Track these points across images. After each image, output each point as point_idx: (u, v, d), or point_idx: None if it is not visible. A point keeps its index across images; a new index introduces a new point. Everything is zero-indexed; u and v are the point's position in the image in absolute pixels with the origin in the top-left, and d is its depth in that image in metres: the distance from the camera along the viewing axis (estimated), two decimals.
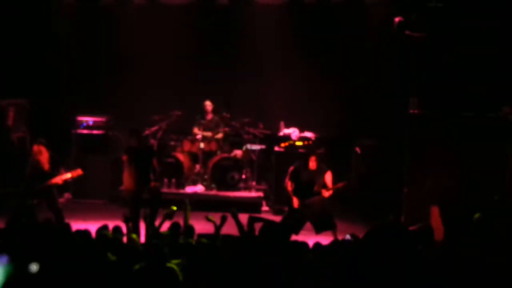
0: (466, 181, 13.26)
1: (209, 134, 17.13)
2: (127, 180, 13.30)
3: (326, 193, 13.19)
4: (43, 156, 12.71)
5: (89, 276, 8.10)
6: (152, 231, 10.60)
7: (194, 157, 17.25)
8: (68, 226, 10.18)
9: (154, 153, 14.03)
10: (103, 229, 10.04)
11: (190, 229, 10.25)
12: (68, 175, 12.82)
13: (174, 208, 10.90)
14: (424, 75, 14.02)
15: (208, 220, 10.47)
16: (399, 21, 14.16)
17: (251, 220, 9.94)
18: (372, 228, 8.99)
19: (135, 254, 8.79)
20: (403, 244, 8.55)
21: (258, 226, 9.71)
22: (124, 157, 13.35)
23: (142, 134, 14.16)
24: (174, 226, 10.34)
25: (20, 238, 8.77)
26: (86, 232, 9.49)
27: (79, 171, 12.93)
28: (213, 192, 16.80)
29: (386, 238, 8.55)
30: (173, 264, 8.36)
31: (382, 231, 8.77)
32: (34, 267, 7.75)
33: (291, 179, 13.46)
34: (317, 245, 9.13)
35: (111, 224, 10.26)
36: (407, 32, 14.04)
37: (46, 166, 12.69)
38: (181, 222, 10.56)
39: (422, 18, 14.02)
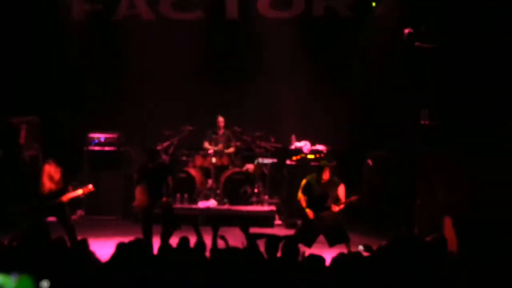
0: (479, 192, 13.21)
1: (220, 147, 17.14)
2: (139, 196, 13.32)
3: (337, 208, 13.14)
4: (54, 173, 12.72)
5: None
6: (164, 246, 10.59)
7: (206, 172, 17.25)
8: (84, 243, 10.17)
9: (169, 171, 13.96)
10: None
11: (202, 245, 10.21)
12: (79, 192, 12.82)
13: None
14: (434, 86, 14.01)
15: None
16: (409, 33, 14.16)
17: (253, 237, 9.92)
18: (389, 241, 8.95)
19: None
20: (421, 256, 8.52)
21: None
22: (136, 176, 13.37)
23: (155, 155, 14.12)
24: (183, 241, 10.34)
25: (32, 256, 8.76)
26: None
27: (90, 187, 12.92)
28: (226, 206, 16.79)
29: (404, 251, 8.52)
30: None
31: (399, 244, 8.74)
32: (45, 284, 7.73)
33: (304, 193, 13.42)
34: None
35: (125, 241, 10.24)
36: (416, 43, 14.04)
37: (57, 183, 12.69)
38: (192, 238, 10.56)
39: (432, 30, 14.02)
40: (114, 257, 9.18)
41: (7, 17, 17.64)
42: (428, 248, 8.88)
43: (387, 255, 8.66)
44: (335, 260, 8.86)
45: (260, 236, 10.03)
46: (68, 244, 10.17)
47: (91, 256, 9.20)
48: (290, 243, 9.60)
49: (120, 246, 9.39)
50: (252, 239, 9.83)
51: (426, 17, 14.26)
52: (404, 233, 12.53)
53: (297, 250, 9.75)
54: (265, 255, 9.60)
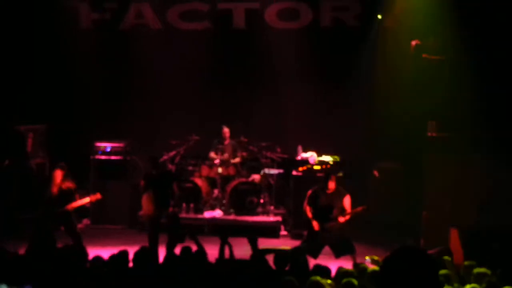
0: (485, 204, 13.19)
1: (225, 157, 17.14)
2: (146, 205, 13.35)
3: (343, 219, 13.12)
4: (62, 181, 12.74)
5: None
6: (169, 255, 10.61)
7: (212, 182, 17.25)
8: (85, 252, 10.18)
9: (173, 178, 14.03)
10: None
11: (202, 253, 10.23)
12: (87, 200, 12.85)
13: None
14: (441, 98, 14.01)
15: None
16: (416, 44, 14.17)
17: (262, 253, 9.89)
18: (393, 252, 8.93)
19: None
20: (424, 268, 8.48)
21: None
22: (142, 183, 13.39)
23: (157, 161, 14.12)
24: (185, 250, 10.41)
25: (39, 263, 8.78)
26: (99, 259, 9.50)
27: (98, 196, 12.95)
28: (232, 216, 16.77)
29: (407, 262, 8.48)
30: None
31: (403, 255, 8.71)
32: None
33: (310, 203, 13.40)
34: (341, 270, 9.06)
35: (130, 250, 10.25)
36: (424, 55, 14.04)
37: (65, 191, 12.72)
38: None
39: (439, 41, 14.03)
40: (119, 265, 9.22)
41: (15, 26, 17.69)
42: (433, 260, 8.86)
43: (390, 266, 8.64)
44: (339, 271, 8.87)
45: (269, 251, 10.03)
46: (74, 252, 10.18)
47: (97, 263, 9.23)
48: (298, 255, 9.62)
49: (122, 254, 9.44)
50: (260, 254, 9.80)
51: (434, 29, 14.28)
52: (409, 244, 12.49)
53: (306, 262, 9.77)
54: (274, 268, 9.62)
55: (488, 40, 13.95)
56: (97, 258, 9.66)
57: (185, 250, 10.51)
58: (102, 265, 9.32)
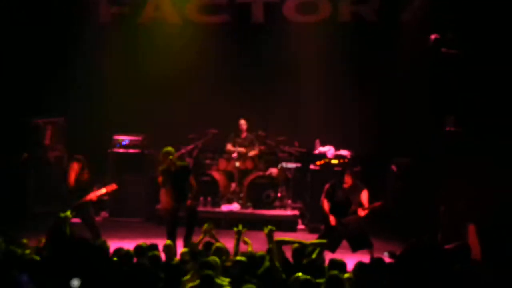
0: (502, 199, 13.13)
1: (242, 150, 17.14)
2: (164, 198, 13.36)
3: (362, 213, 13.11)
4: (80, 174, 12.79)
5: None
6: (189, 248, 10.66)
7: (229, 176, 17.26)
8: (104, 244, 10.23)
9: (190, 171, 14.03)
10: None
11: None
12: (103, 190, 12.87)
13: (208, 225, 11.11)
14: (460, 92, 13.94)
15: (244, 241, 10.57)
16: (435, 39, 14.10)
17: (279, 244, 9.87)
18: (407, 246, 8.93)
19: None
20: (439, 262, 8.49)
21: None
22: (159, 179, 13.39)
23: (170, 155, 14.03)
24: (207, 245, 10.46)
25: (59, 254, 8.84)
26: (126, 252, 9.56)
27: (114, 186, 12.97)
28: (249, 210, 16.77)
29: (421, 257, 8.49)
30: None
31: (417, 250, 8.72)
32: (75, 283, 7.79)
33: (327, 197, 13.39)
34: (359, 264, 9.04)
35: (148, 243, 10.30)
36: (443, 49, 13.98)
37: (83, 183, 12.77)
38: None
39: (458, 36, 13.96)
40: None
41: (34, 19, 17.74)
42: (449, 255, 8.86)
43: (406, 260, 8.66)
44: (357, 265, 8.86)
45: (287, 242, 10.01)
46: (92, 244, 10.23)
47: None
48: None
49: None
50: (277, 245, 9.78)
51: (453, 24, 14.20)
52: (425, 240, 12.48)
53: (323, 255, 9.78)
54: (292, 261, 9.63)
55: (507, 34, 13.86)
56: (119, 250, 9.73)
57: (207, 244, 10.57)
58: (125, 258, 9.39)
